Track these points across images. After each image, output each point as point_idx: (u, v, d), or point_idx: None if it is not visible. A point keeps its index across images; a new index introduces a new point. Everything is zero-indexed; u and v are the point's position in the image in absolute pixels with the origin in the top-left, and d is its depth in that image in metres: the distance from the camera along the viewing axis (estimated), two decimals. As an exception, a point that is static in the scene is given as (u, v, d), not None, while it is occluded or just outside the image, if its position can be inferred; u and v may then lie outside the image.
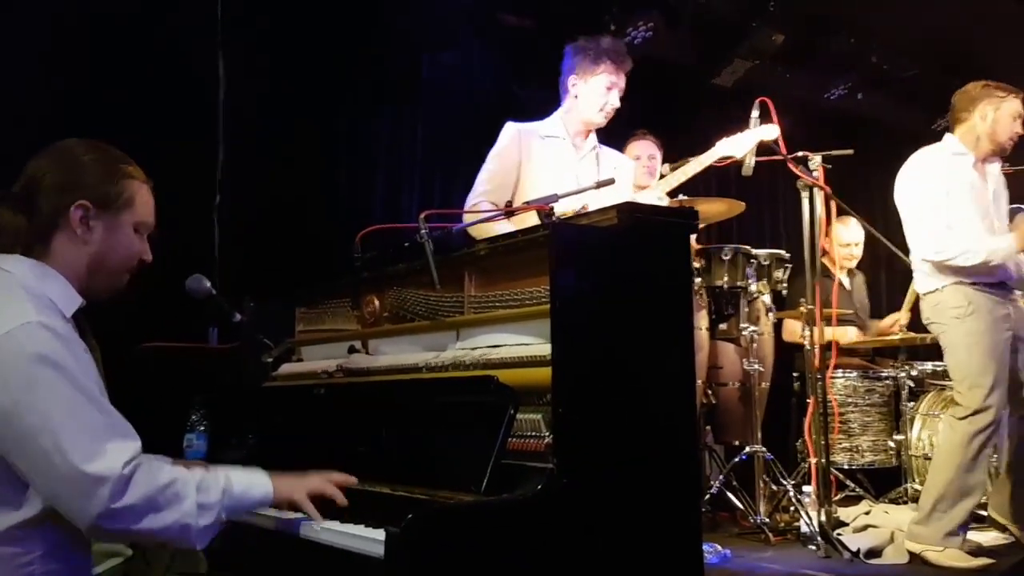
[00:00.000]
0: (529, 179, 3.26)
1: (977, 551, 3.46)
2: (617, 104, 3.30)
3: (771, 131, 3.45)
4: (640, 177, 4.29)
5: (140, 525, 1.52)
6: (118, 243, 1.73)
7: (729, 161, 3.43)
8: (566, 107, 3.36)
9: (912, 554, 3.41)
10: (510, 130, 3.35)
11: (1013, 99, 3.55)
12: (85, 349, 1.60)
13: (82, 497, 1.47)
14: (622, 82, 3.29)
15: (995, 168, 3.64)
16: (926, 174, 3.56)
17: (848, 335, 4.99)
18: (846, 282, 5.23)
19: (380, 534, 1.58)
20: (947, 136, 3.65)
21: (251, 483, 1.69)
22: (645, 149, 4.48)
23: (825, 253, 4.96)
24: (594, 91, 3.26)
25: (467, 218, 2.65)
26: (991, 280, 3.45)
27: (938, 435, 4.26)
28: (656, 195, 3.42)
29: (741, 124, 3.54)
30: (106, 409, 1.56)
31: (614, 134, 3.52)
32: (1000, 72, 3.74)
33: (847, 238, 5.19)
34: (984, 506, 4.02)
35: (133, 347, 3.03)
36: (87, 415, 1.51)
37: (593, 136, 3.39)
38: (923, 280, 3.58)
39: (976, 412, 3.31)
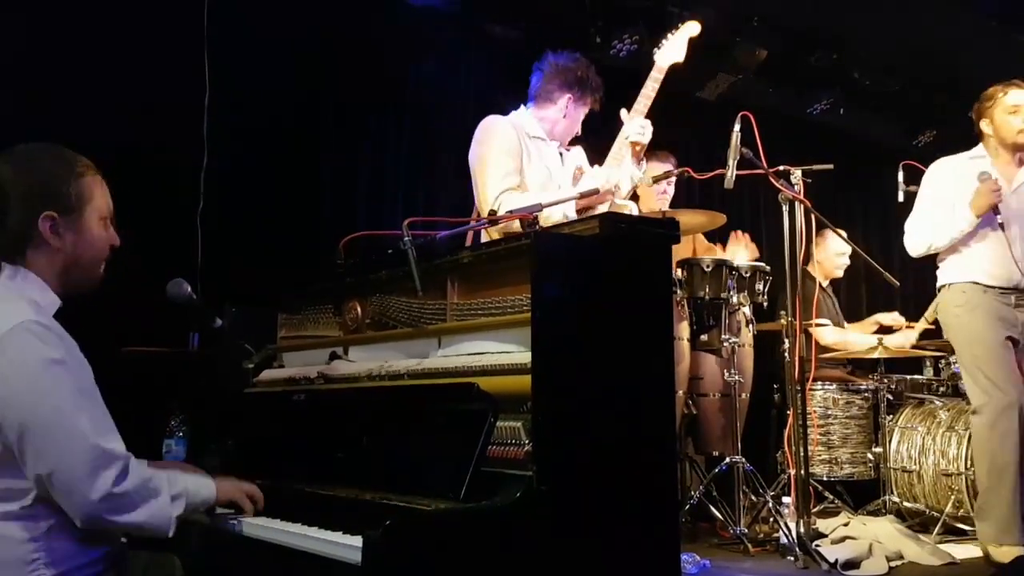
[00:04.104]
0: (530, 181, 3.13)
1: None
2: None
3: (694, 27, 3.43)
4: (654, 201, 4.25)
5: (132, 512, 1.62)
6: (89, 240, 1.77)
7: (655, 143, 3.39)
8: (548, 115, 3.29)
9: (890, 566, 3.43)
10: (507, 127, 3.18)
11: None
12: (76, 347, 1.65)
13: (91, 475, 1.55)
14: None
15: None
16: None
17: (826, 336, 4.99)
18: (828, 290, 5.25)
19: (357, 540, 1.59)
20: None
21: (199, 484, 1.83)
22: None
23: (808, 260, 4.97)
24: (578, 118, 3.33)
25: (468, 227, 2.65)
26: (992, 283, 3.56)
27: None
28: (625, 136, 3.17)
29: (723, 139, 3.57)
30: (101, 403, 1.65)
31: (590, 143, 3.50)
32: (980, 89, 3.79)
33: (842, 247, 5.19)
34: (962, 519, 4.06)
35: (113, 351, 3.01)
36: (91, 406, 1.61)
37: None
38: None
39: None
